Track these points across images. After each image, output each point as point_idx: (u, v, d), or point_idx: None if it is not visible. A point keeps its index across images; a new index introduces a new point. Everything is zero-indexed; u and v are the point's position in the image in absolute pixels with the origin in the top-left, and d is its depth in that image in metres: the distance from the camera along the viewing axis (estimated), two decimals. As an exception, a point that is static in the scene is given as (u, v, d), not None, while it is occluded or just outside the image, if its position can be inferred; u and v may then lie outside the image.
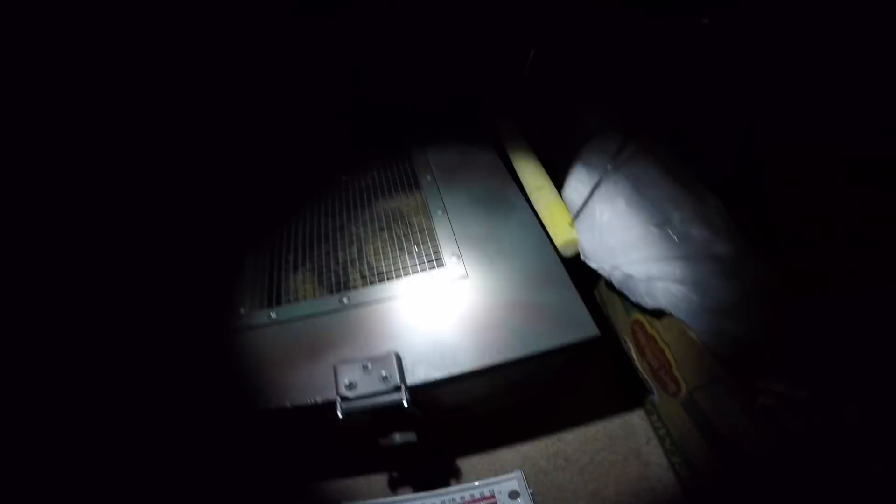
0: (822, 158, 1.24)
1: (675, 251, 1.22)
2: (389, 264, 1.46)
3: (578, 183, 1.55)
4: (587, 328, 1.21)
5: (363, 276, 1.46)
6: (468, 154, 1.76)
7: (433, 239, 1.48)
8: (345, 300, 1.37)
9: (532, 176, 1.68)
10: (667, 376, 1.34)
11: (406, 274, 1.41)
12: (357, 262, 1.50)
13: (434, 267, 1.41)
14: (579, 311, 1.25)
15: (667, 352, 1.31)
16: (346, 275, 1.48)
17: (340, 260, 1.51)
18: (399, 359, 1.22)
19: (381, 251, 1.51)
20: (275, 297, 1.44)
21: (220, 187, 1.85)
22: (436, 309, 1.32)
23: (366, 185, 1.72)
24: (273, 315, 1.39)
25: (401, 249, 1.49)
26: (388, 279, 1.41)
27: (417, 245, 1.49)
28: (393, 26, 1.85)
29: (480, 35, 1.88)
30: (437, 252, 1.45)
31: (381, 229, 1.56)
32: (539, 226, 1.47)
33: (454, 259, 1.39)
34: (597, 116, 1.70)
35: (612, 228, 1.37)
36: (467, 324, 1.28)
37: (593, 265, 1.44)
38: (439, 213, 1.52)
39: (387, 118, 2.04)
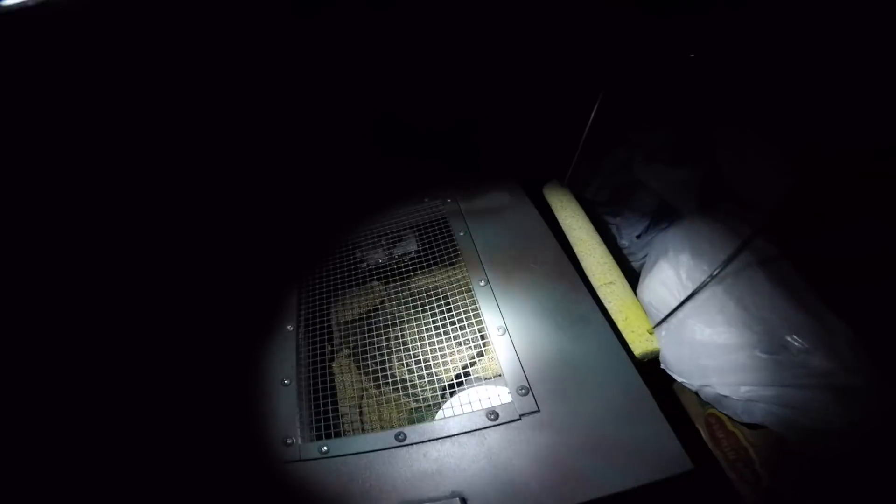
0: None
1: (785, 379, 1.14)
2: (448, 396, 1.40)
3: (661, 286, 1.45)
4: (680, 462, 1.13)
5: (428, 405, 1.37)
6: (525, 241, 1.66)
7: (494, 363, 1.39)
8: (401, 437, 1.28)
9: (599, 267, 1.57)
10: (746, 469, 1.28)
11: (469, 409, 1.32)
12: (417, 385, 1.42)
13: (500, 401, 1.33)
14: (671, 445, 1.16)
15: (750, 450, 1.26)
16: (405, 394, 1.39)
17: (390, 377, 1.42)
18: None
19: (436, 366, 1.43)
20: (323, 427, 1.35)
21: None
22: (504, 448, 1.24)
23: (409, 294, 1.64)
24: (324, 449, 1.30)
25: (458, 379, 1.40)
26: (448, 415, 1.33)
27: (476, 372, 1.40)
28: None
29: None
30: (502, 381, 1.36)
31: (433, 348, 1.48)
32: (620, 346, 1.37)
33: (522, 392, 1.30)
34: (681, 196, 1.58)
35: (708, 349, 1.27)
36: (541, 463, 1.19)
37: (678, 378, 1.36)
38: (499, 330, 1.42)
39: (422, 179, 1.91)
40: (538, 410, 1.28)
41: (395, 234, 1.77)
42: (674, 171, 1.65)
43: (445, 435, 1.28)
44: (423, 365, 1.49)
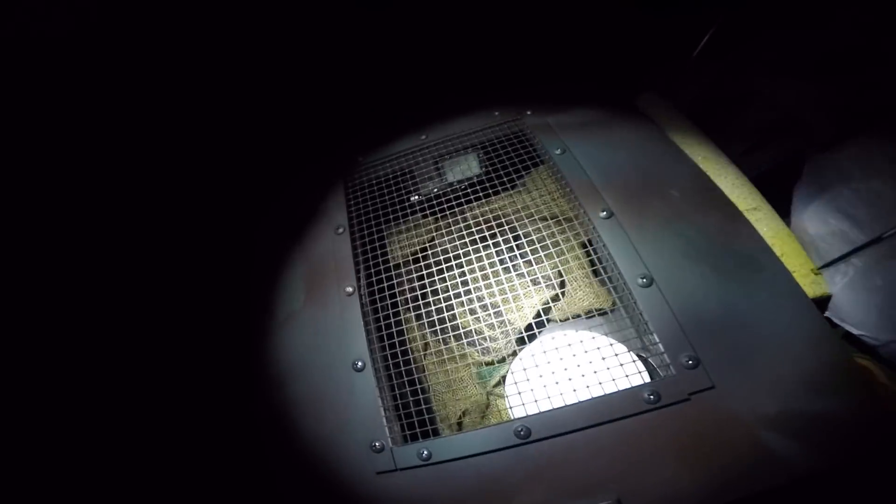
0: None
1: None
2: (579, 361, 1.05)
3: (838, 217, 1.07)
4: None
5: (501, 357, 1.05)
6: (651, 162, 1.27)
7: (641, 327, 1.04)
8: (523, 432, 0.96)
9: (736, 191, 1.19)
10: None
11: (612, 387, 0.99)
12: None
13: (657, 374, 1.00)
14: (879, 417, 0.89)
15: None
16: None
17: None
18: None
19: (508, 311, 1.08)
20: (417, 424, 1.04)
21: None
22: (672, 438, 0.93)
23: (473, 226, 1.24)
24: (425, 453, 1.00)
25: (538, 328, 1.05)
26: (582, 396, 1.00)
27: (611, 334, 1.05)
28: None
29: None
30: (654, 348, 1.03)
31: (501, 289, 1.18)
32: (805, 295, 1.02)
33: (689, 363, 0.96)
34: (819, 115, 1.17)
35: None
36: (724, 453, 0.90)
37: (855, 331, 1.06)
38: (642, 280, 1.05)
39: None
40: (712, 387, 0.94)
41: (453, 156, 1.41)
42: (813, 85, 1.22)
43: (584, 426, 0.96)
44: (491, 311, 1.21)
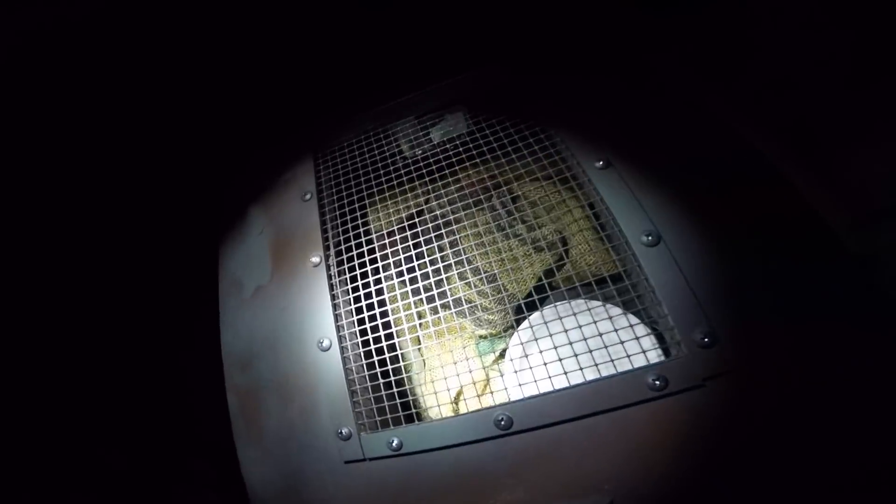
0: None
1: None
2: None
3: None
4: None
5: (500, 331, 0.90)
6: (652, 103, 1.07)
7: (648, 295, 0.85)
8: (503, 421, 0.82)
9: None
10: None
11: (609, 368, 0.83)
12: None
13: (660, 355, 0.83)
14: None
15: None
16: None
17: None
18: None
19: (504, 276, 0.91)
20: (389, 410, 0.92)
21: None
22: (675, 430, 0.77)
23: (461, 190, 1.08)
24: (394, 442, 0.87)
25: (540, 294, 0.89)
26: (575, 380, 0.84)
27: (609, 308, 0.88)
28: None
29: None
30: (663, 322, 0.85)
31: (499, 257, 1.02)
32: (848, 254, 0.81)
33: (703, 340, 0.78)
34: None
35: None
36: (737, 454, 0.74)
37: None
38: (647, 238, 0.86)
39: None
40: (731, 371, 0.76)
41: (435, 114, 1.24)
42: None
43: (575, 416, 0.81)
44: (486, 278, 1.08)
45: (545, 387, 0.85)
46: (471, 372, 0.92)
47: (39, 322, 1.24)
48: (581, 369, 0.83)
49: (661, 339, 0.91)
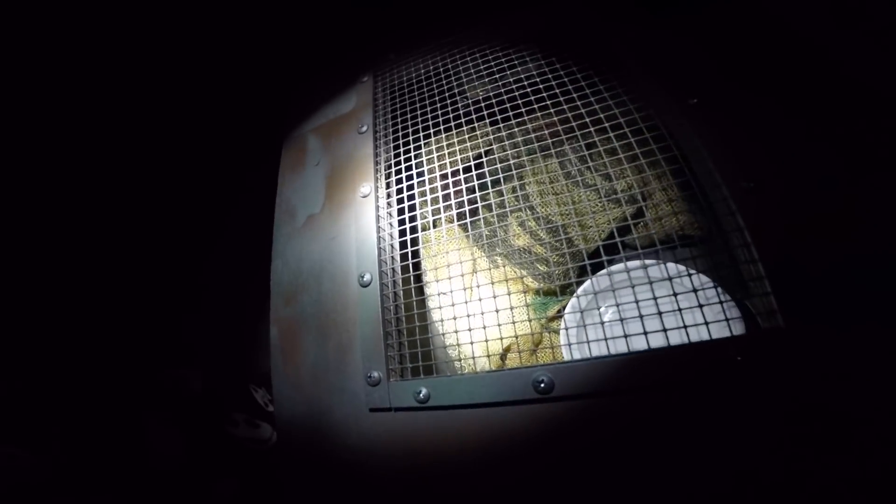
0: None
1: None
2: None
3: None
4: None
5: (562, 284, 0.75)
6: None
7: (742, 253, 0.67)
8: (542, 384, 0.68)
9: None
10: None
11: (677, 340, 0.66)
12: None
13: (732, 322, 0.66)
14: None
15: None
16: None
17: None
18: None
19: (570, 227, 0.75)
20: (421, 357, 0.82)
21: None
22: (759, 421, 0.60)
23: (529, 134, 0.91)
24: (422, 393, 0.77)
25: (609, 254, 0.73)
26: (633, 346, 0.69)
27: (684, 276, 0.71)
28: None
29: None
30: (756, 286, 0.67)
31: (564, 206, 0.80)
32: None
33: (802, 311, 0.58)
34: None
35: None
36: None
37: None
38: (747, 185, 0.67)
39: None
40: (835, 354, 0.57)
41: (503, 54, 1.06)
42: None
43: (625, 388, 0.66)
44: (549, 228, 0.95)
45: (599, 351, 0.70)
46: (515, 324, 0.79)
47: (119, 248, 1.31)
48: (645, 333, 0.67)
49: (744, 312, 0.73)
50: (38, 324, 1.44)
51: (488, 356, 0.84)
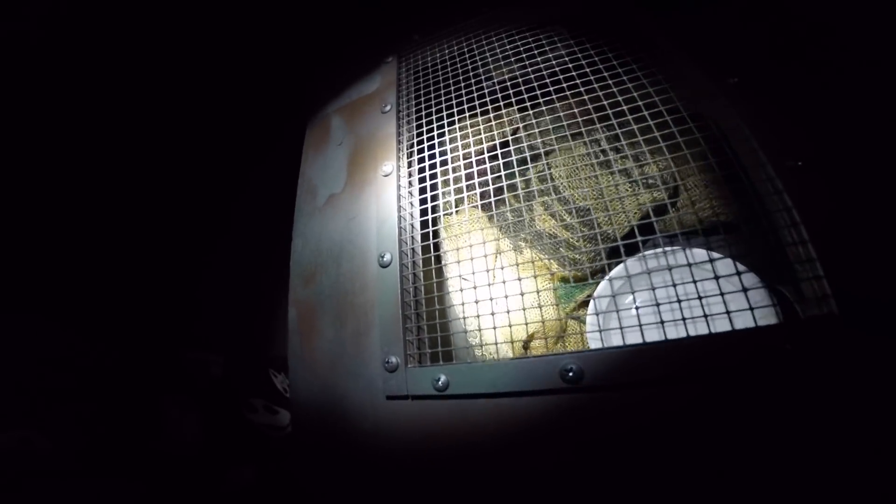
0: None
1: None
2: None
3: None
4: None
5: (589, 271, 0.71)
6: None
7: (786, 235, 0.62)
8: (572, 372, 0.64)
9: None
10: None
11: (724, 326, 0.61)
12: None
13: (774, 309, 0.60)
14: None
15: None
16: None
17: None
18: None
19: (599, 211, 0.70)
20: (440, 342, 0.78)
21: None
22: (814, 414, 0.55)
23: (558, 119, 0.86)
24: (441, 380, 0.73)
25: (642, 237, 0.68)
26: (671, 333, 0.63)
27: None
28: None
29: None
30: (805, 268, 0.61)
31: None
32: None
33: (856, 300, 0.53)
34: None
35: None
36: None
37: None
38: (792, 163, 0.61)
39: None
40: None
41: (531, 36, 1.01)
42: None
43: (661, 377, 0.60)
44: (577, 211, 0.90)
45: (633, 339, 0.65)
46: (541, 308, 0.74)
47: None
48: (684, 320, 0.62)
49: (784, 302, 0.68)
50: (58, 308, 1.44)
51: (511, 342, 0.79)
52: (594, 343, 0.81)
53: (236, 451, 1.53)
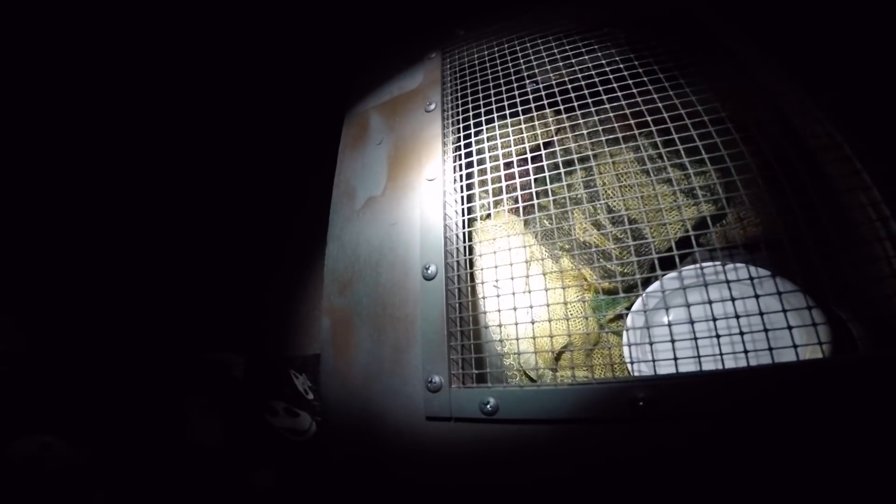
0: None
1: None
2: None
3: None
4: None
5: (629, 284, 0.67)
6: None
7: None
8: (643, 400, 0.58)
9: None
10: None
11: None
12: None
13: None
14: None
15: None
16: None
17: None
18: None
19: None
20: (489, 363, 0.73)
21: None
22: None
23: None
24: (490, 404, 0.68)
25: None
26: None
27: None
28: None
29: None
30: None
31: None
32: None
33: None
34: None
35: None
36: None
37: None
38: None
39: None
40: None
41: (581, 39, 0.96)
42: None
43: (738, 400, 0.55)
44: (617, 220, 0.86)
45: (707, 364, 0.59)
46: (588, 326, 0.69)
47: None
48: (746, 352, 0.56)
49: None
50: (80, 310, 1.42)
51: (548, 352, 0.74)
52: (631, 357, 0.76)
53: (257, 453, 1.50)
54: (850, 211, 0.64)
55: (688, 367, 0.60)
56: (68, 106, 1.42)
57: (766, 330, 0.57)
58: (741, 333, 0.58)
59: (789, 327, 0.56)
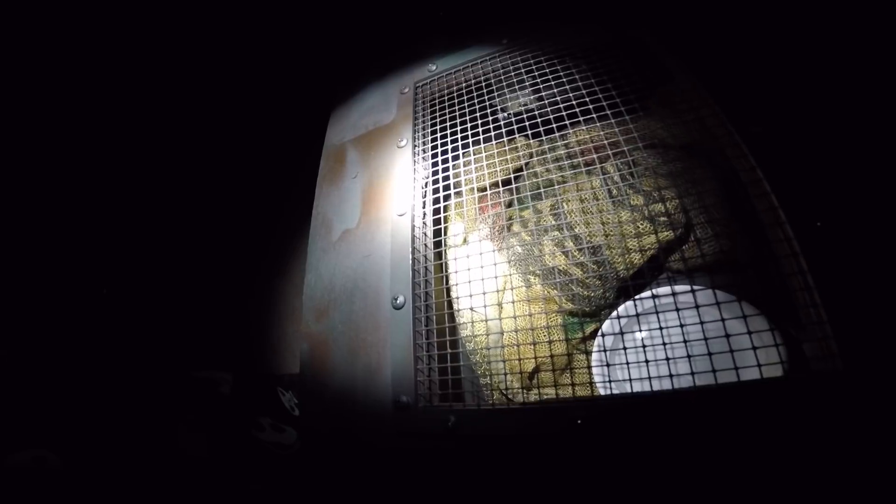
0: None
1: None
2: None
3: None
4: None
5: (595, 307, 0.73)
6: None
7: (802, 293, 0.65)
8: (582, 416, 0.67)
9: None
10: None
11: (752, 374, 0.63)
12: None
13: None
14: None
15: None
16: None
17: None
18: None
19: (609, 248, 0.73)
20: (451, 384, 0.82)
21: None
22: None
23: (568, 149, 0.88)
24: (451, 420, 0.76)
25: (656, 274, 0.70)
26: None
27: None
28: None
29: None
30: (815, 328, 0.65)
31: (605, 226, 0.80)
32: None
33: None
34: None
35: None
36: None
37: None
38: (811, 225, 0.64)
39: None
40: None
41: (548, 65, 1.02)
42: None
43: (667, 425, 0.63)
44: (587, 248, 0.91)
45: (651, 384, 0.67)
46: (552, 350, 0.77)
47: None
48: (693, 374, 0.64)
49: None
50: (68, 325, 1.47)
51: (521, 374, 0.82)
52: (599, 378, 0.83)
53: (245, 468, 1.56)
54: (774, 245, 0.73)
55: (639, 387, 0.68)
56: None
57: (709, 354, 0.64)
58: (689, 357, 0.66)
59: (731, 351, 0.63)
